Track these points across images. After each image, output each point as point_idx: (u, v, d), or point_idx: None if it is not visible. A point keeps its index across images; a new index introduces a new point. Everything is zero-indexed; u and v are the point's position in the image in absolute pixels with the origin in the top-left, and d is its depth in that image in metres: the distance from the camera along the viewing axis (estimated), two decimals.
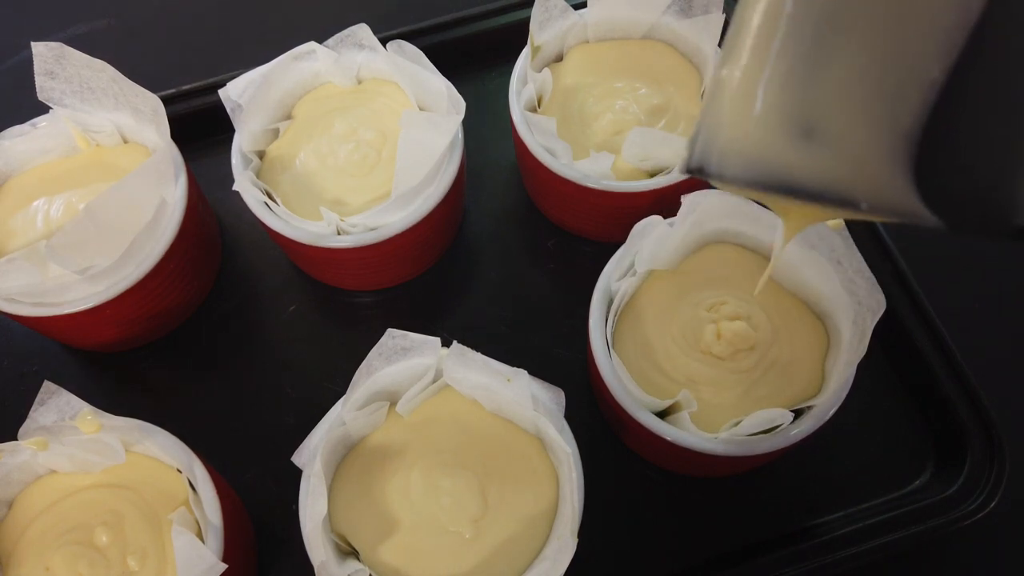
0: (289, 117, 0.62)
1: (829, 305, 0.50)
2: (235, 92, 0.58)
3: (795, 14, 0.27)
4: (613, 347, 0.51)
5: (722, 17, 0.58)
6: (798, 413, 0.48)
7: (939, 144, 0.25)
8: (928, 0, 0.25)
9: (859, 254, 0.48)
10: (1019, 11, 0.25)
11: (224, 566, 0.43)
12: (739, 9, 0.29)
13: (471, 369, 0.48)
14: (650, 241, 0.51)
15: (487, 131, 0.68)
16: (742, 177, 0.28)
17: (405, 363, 0.49)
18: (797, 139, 0.26)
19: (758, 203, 0.49)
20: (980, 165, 0.26)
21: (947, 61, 0.25)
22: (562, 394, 0.48)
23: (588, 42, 0.64)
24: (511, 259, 0.65)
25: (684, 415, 0.47)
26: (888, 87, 0.25)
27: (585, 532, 0.44)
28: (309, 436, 0.48)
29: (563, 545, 0.43)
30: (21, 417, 0.46)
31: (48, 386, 0.47)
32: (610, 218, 0.60)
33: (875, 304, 0.46)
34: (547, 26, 0.61)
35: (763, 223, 0.52)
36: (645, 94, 0.60)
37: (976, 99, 0.26)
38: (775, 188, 0.27)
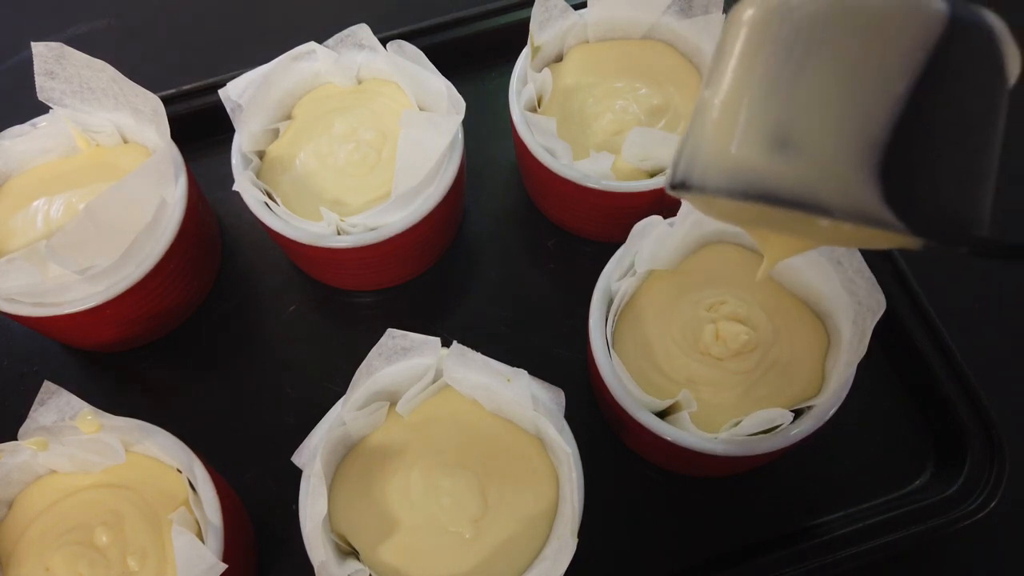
0: (289, 117, 0.62)
1: (829, 305, 0.50)
2: (235, 92, 0.58)
3: (771, 39, 0.29)
4: (613, 347, 0.51)
5: (722, 17, 0.58)
6: (798, 413, 0.48)
7: (904, 155, 0.27)
8: (889, 24, 0.27)
9: (859, 254, 0.48)
10: (975, 33, 0.28)
11: (224, 566, 0.43)
12: (721, 37, 0.31)
13: (471, 369, 0.48)
14: (650, 241, 0.51)
15: (487, 131, 0.68)
16: (724, 187, 0.29)
17: (405, 363, 0.49)
18: (774, 150, 0.28)
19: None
20: (942, 177, 0.28)
21: (910, 78, 0.27)
22: (562, 394, 0.48)
23: (588, 42, 0.64)
24: (511, 259, 0.65)
25: (684, 415, 0.47)
26: (856, 101, 0.27)
27: (585, 532, 0.44)
28: (309, 436, 0.48)
29: (563, 545, 0.43)
30: (21, 417, 0.46)
31: (48, 386, 0.47)
32: (610, 218, 0.60)
33: (875, 304, 0.46)
34: (547, 26, 0.61)
35: None
36: (645, 94, 0.60)
37: (937, 114, 0.27)
38: (753, 196, 0.29)
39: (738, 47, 0.30)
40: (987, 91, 0.28)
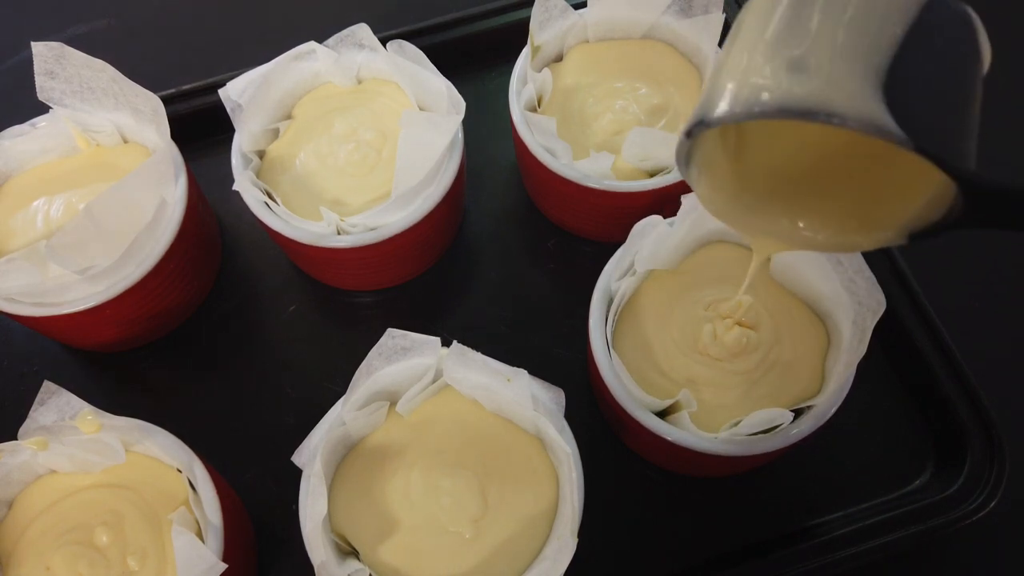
0: (289, 117, 0.62)
1: (829, 305, 0.50)
2: (235, 92, 0.58)
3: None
4: (613, 347, 0.51)
5: (722, 17, 0.58)
6: (798, 413, 0.48)
7: (903, 83, 0.30)
8: None
9: (859, 254, 0.48)
10: (957, 16, 0.32)
11: (224, 566, 0.43)
12: (740, 13, 0.35)
13: (471, 369, 0.48)
14: (650, 241, 0.51)
15: (487, 131, 0.68)
16: (741, 112, 0.32)
17: (405, 363, 0.49)
18: (789, 73, 0.31)
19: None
20: (936, 111, 0.31)
21: (906, 26, 0.31)
22: (562, 394, 0.48)
23: (588, 42, 0.64)
24: (511, 259, 0.65)
25: (684, 415, 0.47)
26: (861, 36, 0.31)
27: (585, 532, 0.44)
28: (309, 436, 0.48)
29: (563, 545, 0.43)
30: (21, 417, 0.46)
31: (48, 386, 0.47)
32: (610, 218, 0.60)
33: (875, 304, 0.46)
34: (547, 26, 0.61)
35: None
36: (645, 94, 0.60)
37: (928, 62, 0.31)
38: (770, 113, 0.31)
39: (756, 8, 0.34)
40: (966, 62, 0.32)
